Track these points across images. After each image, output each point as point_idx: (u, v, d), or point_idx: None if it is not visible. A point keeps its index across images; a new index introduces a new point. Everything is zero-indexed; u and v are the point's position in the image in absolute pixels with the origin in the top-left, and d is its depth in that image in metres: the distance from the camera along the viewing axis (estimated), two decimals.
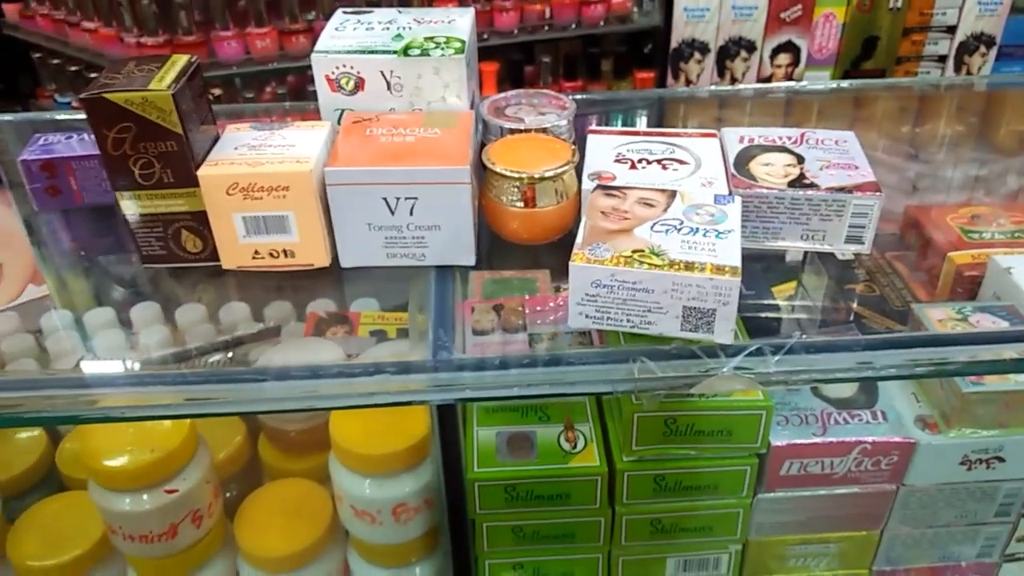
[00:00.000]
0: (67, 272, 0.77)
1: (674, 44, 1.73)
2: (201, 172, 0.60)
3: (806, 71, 1.79)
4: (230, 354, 0.80)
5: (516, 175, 0.63)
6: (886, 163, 0.88)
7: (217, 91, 1.58)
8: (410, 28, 0.70)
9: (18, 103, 1.87)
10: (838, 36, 1.75)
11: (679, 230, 0.59)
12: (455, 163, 0.60)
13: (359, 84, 0.67)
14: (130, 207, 0.62)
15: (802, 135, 0.71)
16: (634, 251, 0.57)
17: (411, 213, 0.62)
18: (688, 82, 1.79)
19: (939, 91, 1.12)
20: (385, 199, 0.61)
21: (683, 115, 1.03)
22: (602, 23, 1.68)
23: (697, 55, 1.75)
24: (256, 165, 0.60)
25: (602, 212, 0.61)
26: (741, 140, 0.71)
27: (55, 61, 1.77)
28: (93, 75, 1.71)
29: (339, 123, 0.68)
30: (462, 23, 0.71)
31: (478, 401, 0.75)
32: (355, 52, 0.66)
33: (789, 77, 1.80)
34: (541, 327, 0.83)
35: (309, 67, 0.67)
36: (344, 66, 0.66)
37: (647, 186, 0.64)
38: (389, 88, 0.67)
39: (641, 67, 1.79)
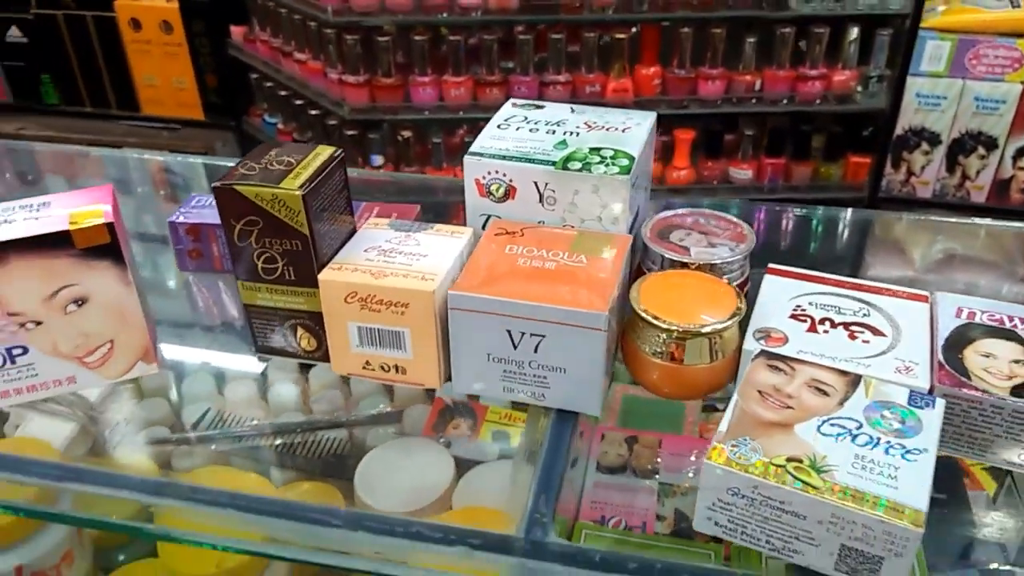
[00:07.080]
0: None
1: (899, 131, 1.54)
2: (322, 276, 0.56)
3: None
4: (342, 435, 0.76)
5: (663, 325, 0.53)
6: None
7: (407, 133, 1.59)
8: (578, 133, 0.63)
9: (232, 118, 1.99)
10: None
11: (854, 437, 0.47)
12: (591, 306, 0.52)
13: (509, 192, 0.61)
14: (250, 297, 0.59)
15: None
16: (789, 459, 0.46)
17: (535, 350, 0.54)
18: (910, 173, 1.59)
19: None
20: (509, 331, 0.54)
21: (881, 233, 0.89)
22: (818, 102, 1.52)
23: (925, 146, 1.55)
24: (380, 276, 0.55)
25: (760, 392, 0.50)
26: (959, 313, 0.57)
27: (268, 84, 1.86)
28: (299, 102, 1.79)
29: (484, 228, 0.62)
30: (638, 133, 0.63)
31: None
32: (510, 158, 0.60)
33: None
34: (675, 476, 0.73)
35: None
36: (496, 172, 0.60)
37: (823, 363, 0.52)
38: (541, 200, 0.60)
39: (856, 151, 1.61)
